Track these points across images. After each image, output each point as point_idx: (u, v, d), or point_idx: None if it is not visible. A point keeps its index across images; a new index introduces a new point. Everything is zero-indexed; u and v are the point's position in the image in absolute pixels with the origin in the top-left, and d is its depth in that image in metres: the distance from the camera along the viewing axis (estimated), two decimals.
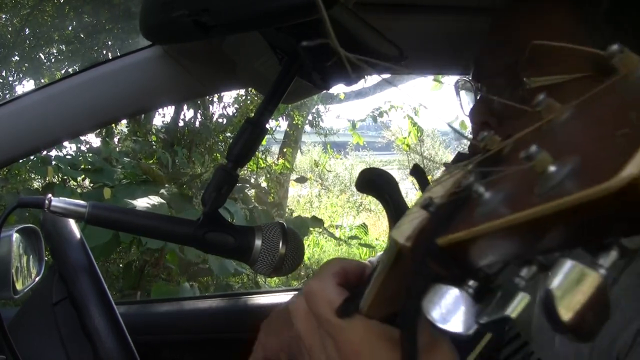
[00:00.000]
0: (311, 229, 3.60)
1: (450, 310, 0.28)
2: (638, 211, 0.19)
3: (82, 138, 3.59)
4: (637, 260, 0.63)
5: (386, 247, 0.36)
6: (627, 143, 0.19)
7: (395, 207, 0.45)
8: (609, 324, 0.64)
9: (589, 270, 0.21)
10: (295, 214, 5.40)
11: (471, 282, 0.28)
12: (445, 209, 0.29)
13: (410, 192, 6.17)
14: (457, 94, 0.79)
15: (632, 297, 0.61)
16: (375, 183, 0.48)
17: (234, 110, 4.40)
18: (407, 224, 0.32)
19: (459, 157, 0.73)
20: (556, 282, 0.21)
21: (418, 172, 0.43)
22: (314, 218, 3.21)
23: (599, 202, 0.19)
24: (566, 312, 0.21)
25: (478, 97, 0.74)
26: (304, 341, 0.47)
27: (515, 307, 0.25)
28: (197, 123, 4.25)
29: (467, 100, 0.78)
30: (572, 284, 0.21)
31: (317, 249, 5.95)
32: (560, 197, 0.20)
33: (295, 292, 1.47)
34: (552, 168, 0.22)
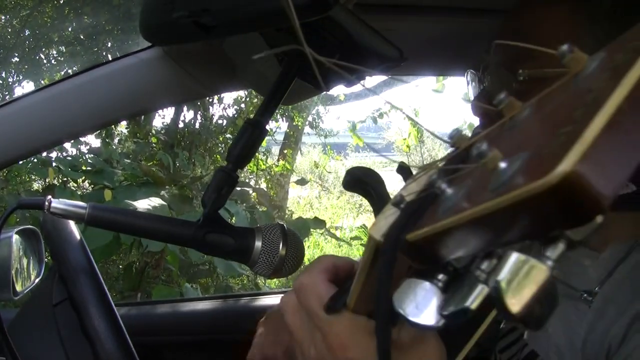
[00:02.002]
0: (312, 230, 3.60)
1: (420, 303, 0.29)
2: (575, 205, 0.20)
3: (82, 139, 3.59)
4: (632, 256, 0.64)
5: (367, 244, 0.37)
6: (568, 140, 0.20)
7: (381, 204, 0.46)
8: (603, 316, 0.64)
9: (536, 262, 0.22)
10: (295, 215, 5.40)
11: (441, 276, 0.29)
12: (413, 205, 0.31)
13: None
14: (467, 86, 0.81)
15: (624, 290, 0.62)
16: (361, 181, 0.49)
17: (234, 112, 4.40)
18: (383, 221, 0.33)
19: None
20: (503, 274, 0.22)
21: (404, 171, 0.44)
22: (316, 219, 3.21)
23: (539, 197, 0.20)
24: (514, 304, 0.22)
25: (481, 89, 0.75)
26: (294, 335, 0.48)
27: (475, 298, 0.25)
28: (197, 124, 4.25)
29: (474, 93, 0.79)
30: (519, 276, 0.22)
31: (318, 250, 5.94)
32: (508, 192, 0.21)
33: None
34: (502, 165, 0.23)
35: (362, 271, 0.39)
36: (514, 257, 0.22)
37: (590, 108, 0.20)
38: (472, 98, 0.79)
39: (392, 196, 0.46)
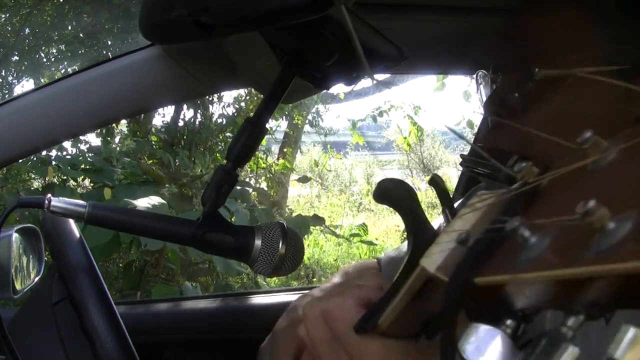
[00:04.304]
0: (312, 228, 3.60)
1: (487, 350, 0.27)
2: None
3: (82, 138, 3.59)
4: None
5: (415, 273, 0.36)
6: None
7: (414, 219, 0.45)
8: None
9: None
10: (295, 214, 5.40)
11: (509, 322, 0.27)
12: (482, 245, 0.29)
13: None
14: (477, 87, 0.80)
15: None
16: (393, 193, 0.47)
17: (234, 110, 4.40)
18: (438, 254, 0.32)
19: (475, 151, 0.71)
20: (620, 351, 0.21)
21: (436, 183, 0.43)
22: (315, 216, 3.21)
23: None
24: None
25: (493, 89, 0.74)
26: (316, 349, 0.47)
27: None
28: (197, 123, 4.25)
29: (486, 94, 0.78)
30: (633, 351, 0.20)
31: (317, 248, 5.95)
32: (623, 260, 0.20)
33: (295, 293, 1.47)
34: (611, 225, 0.21)
35: (403, 297, 0.38)
36: (631, 334, 0.21)
37: None
38: (483, 99, 0.77)
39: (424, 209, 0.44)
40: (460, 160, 0.70)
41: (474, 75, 0.80)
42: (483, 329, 0.27)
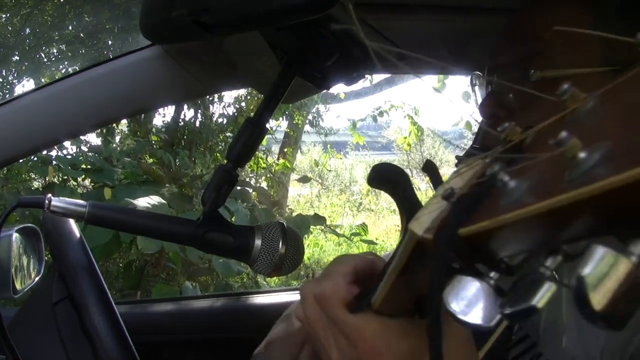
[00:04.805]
0: (312, 227, 3.59)
1: (471, 302, 0.27)
2: None
3: (83, 138, 3.59)
4: None
5: (404, 240, 0.36)
6: None
7: (407, 202, 0.45)
8: None
9: (621, 257, 0.21)
10: (295, 214, 5.40)
11: (492, 274, 0.28)
12: (467, 199, 0.29)
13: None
14: (473, 88, 0.80)
15: None
16: (387, 178, 0.48)
17: (235, 110, 4.40)
18: (426, 216, 0.32)
19: (471, 152, 0.72)
20: (587, 269, 0.21)
21: (430, 168, 0.43)
22: (316, 216, 3.21)
23: (632, 187, 0.19)
24: (598, 300, 0.21)
25: (489, 90, 0.74)
26: (314, 330, 0.47)
27: (542, 296, 0.24)
28: (198, 123, 4.25)
29: (482, 95, 0.78)
30: (603, 271, 0.21)
31: (317, 248, 5.95)
32: (593, 182, 0.20)
33: (295, 293, 1.47)
34: (582, 154, 0.22)
35: (394, 269, 0.38)
36: (600, 252, 0.21)
37: None
38: (478, 100, 0.77)
39: (419, 196, 0.44)
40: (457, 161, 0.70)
41: (469, 77, 0.80)
42: (468, 282, 0.28)
